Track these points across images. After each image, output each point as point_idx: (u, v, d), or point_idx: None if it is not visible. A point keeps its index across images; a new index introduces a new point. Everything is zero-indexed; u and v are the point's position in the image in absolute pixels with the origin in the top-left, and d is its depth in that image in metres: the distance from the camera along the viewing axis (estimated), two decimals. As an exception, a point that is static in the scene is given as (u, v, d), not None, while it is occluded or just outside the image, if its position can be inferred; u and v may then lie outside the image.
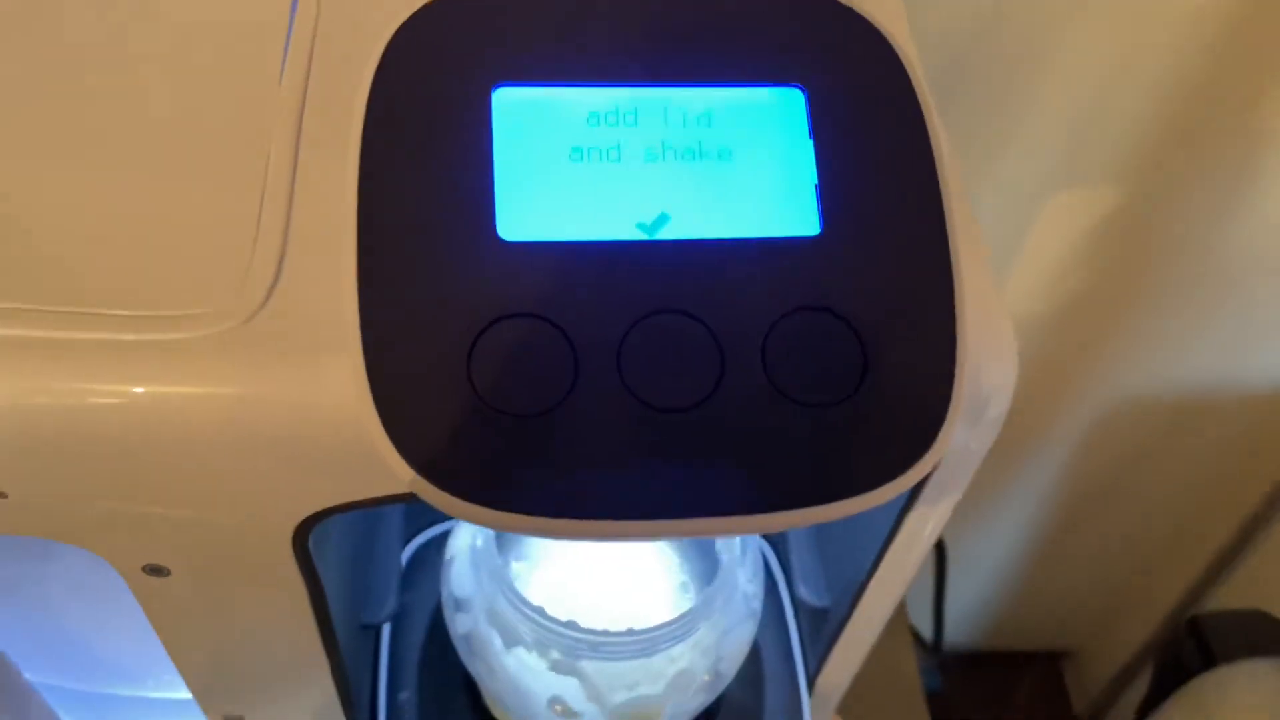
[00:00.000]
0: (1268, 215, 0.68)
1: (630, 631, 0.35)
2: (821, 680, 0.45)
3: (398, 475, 0.24)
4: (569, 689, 0.37)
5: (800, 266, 0.26)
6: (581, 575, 0.41)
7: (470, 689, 0.43)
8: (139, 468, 0.27)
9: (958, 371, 0.26)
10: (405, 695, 0.43)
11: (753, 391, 0.25)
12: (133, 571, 0.31)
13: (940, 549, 0.87)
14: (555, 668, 0.37)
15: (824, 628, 0.44)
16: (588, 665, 0.36)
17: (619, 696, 0.37)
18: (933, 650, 0.93)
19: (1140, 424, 0.87)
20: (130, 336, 0.26)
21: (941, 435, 0.26)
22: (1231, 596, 0.92)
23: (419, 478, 0.24)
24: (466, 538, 0.39)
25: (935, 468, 0.26)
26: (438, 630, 0.45)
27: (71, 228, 0.28)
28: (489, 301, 0.25)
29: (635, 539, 0.26)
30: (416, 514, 0.46)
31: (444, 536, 0.48)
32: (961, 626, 1.11)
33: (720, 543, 0.39)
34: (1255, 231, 0.69)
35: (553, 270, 0.25)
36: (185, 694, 0.44)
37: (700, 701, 0.39)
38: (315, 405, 0.26)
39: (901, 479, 0.25)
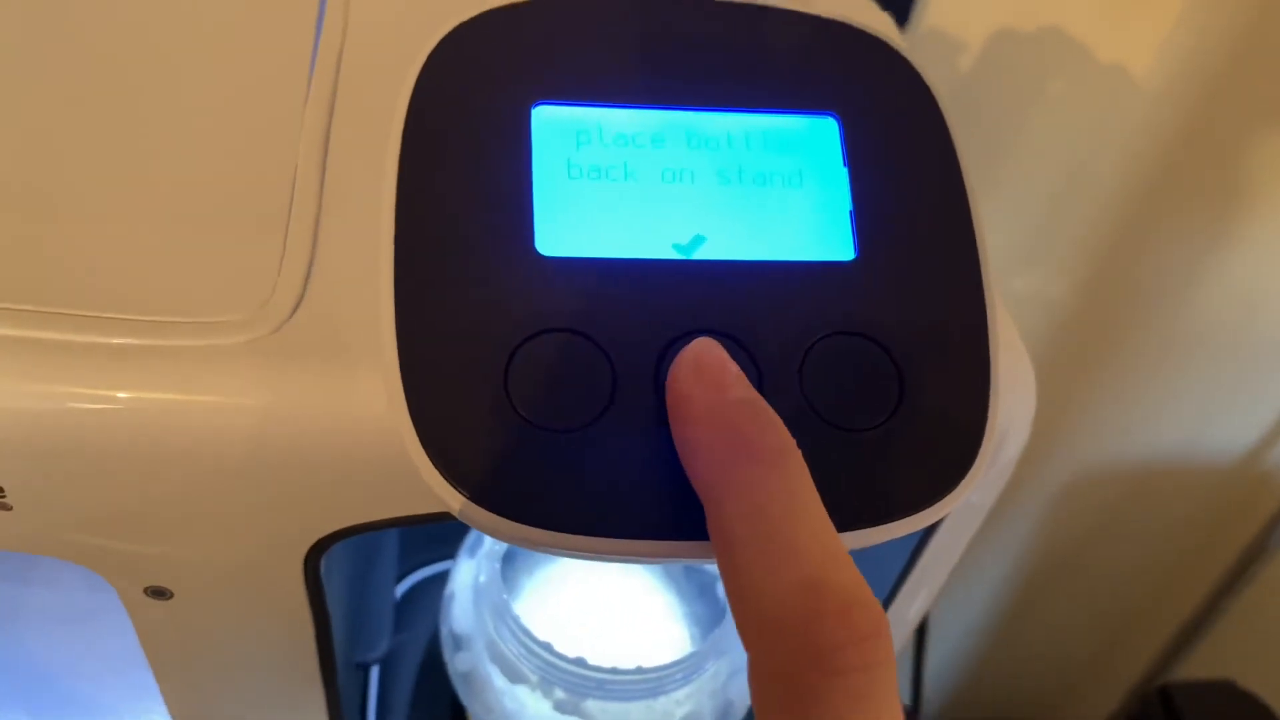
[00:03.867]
0: (1231, 288, 0.69)
1: (639, 669, 0.34)
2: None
3: (430, 486, 0.23)
4: (573, 730, 0.36)
5: (836, 291, 0.26)
6: (581, 617, 0.40)
7: (461, 734, 0.42)
8: (155, 480, 0.27)
9: (992, 398, 0.26)
10: (394, 740, 0.42)
11: (787, 413, 0.25)
12: (133, 593, 0.30)
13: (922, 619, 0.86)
14: (559, 707, 0.36)
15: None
16: (593, 705, 0.36)
17: (624, 738, 0.36)
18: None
19: (1105, 493, 0.87)
20: (152, 342, 0.26)
21: (977, 462, 0.26)
22: (1197, 668, 0.92)
23: (452, 489, 0.23)
24: (468, 574, 0.38)
25: (966, 496, 0.26)
26: (427, 672, 0.43)
27: (95, 233, 0.27)
28: (527, 315, 0.24)
29: (668, 560, 0.25)
30: (408, 553, 0.45)
31: (435, 578, 0.47)
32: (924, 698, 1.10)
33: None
34: (1219, 304, 0.70)
35: (590, 287, 0.25)
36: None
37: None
38: (345, 416, 0.25)
39: (938, 505, 0.25)
